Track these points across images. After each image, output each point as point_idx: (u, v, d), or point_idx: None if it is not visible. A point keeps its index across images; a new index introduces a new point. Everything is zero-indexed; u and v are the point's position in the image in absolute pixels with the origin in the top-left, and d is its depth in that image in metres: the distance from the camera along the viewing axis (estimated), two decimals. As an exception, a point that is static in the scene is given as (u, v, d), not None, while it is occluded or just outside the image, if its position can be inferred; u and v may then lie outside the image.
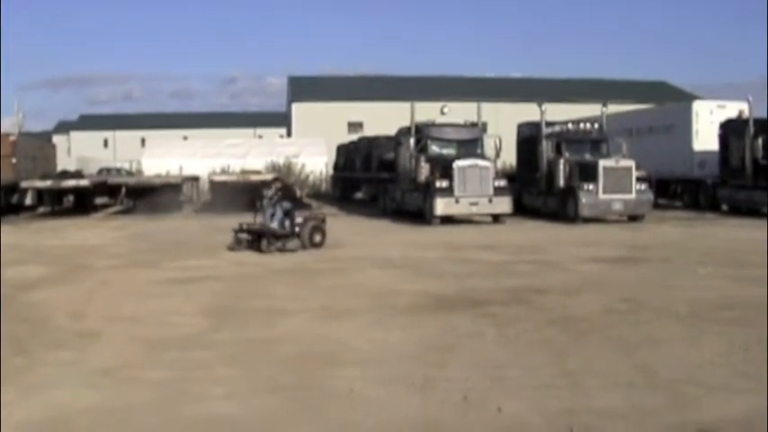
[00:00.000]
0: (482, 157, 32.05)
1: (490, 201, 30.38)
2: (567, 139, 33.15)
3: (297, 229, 21.97)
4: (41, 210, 40.86)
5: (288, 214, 22.13)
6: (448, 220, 30.33)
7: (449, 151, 32.46)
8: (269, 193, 23.18)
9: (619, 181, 30.44)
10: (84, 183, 39.91)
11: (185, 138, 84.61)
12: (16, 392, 8.56)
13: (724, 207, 34.64)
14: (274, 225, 22.15)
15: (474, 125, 34.19)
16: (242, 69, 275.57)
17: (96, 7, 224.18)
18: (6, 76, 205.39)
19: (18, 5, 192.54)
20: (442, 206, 30.06)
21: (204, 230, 27.58)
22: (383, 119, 54.77)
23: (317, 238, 22.19)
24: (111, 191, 44.65)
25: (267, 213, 22.51)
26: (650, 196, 31.61)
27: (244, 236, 22.16)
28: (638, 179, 30.92)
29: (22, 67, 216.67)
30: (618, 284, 15.63)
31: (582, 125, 34.29)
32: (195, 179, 45.74)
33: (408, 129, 33.38)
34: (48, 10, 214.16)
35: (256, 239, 21.88)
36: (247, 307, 13.62)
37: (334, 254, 21.28)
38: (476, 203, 30.26)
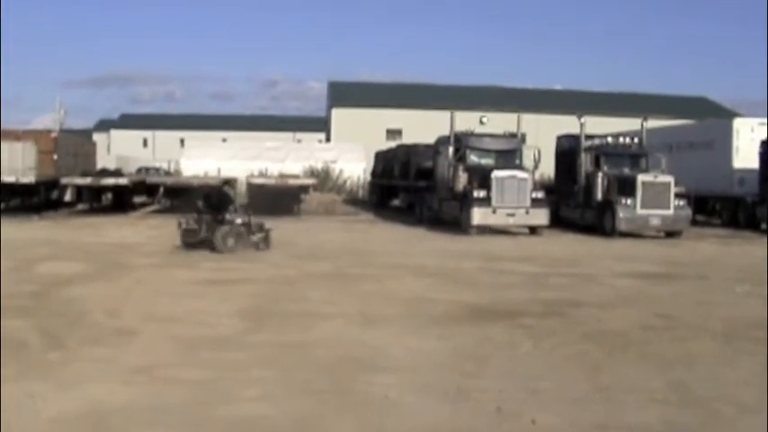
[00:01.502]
0: (520, 168, 31.97)
1: (527, 212, 30.28)
2: (607, 152, 32.97)
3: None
4: (80, 206, 41.17)
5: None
6: (484, 230, 30.26)
7: (487, 161, 32.43)
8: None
9: (657, 196, 30.23)
10: (123, 181, 40.26)
11: (224, 140, 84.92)
12: (52, 387, 8.65)
13: (763, 225, 34.25)
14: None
15: (513, 136, 34.11)
16: (283, 72, 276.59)
17: (143, 6, 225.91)
18: (48, 73, 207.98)
19: (66, 3, 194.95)
20: (479, 216, 29.99)
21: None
22: (422, 127, 54.83)
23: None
24: (150, 190, 44.97)
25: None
26: (688, 212, 31.37)
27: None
28: (677, 195, 30.69)
29: (67, 64, 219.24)
30: (654, 300, 15.54)
31: (621, 139, 34.14)
32: (233, 181, 45.93)
33: (447, 137, 33.35)
34: (94, 8, 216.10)
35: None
36: (283, 310, 13.67)
37: (371, 260, 21.34)
38: (513, 214, 30.17)
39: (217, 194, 24.77)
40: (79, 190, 40.34)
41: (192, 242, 22.55)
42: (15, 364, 9.38)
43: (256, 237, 22.81)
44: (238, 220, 22.80)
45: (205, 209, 23.05)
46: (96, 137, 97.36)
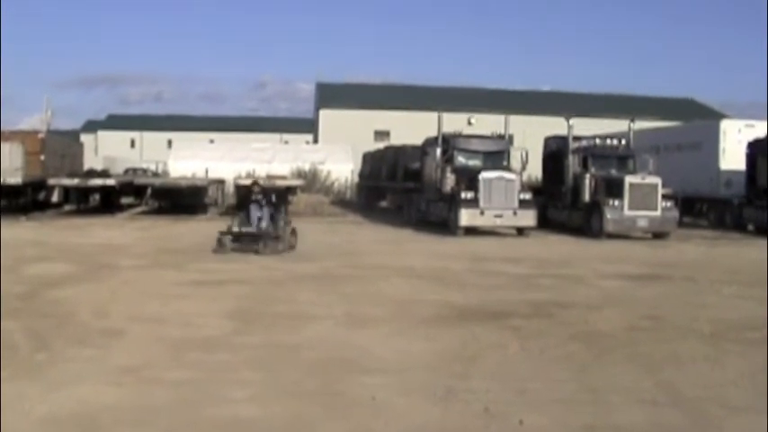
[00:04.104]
0: (508, 169, 32.01)
1: (515, 213, 30.32)
2: (594, 154, 33.03)
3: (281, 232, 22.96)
4: (67, 207, 41.15)
5: (273, 217, 23.21)
6: (472, 231, 30.29)
7: (475, 163, 32.46)
8: (257, 196, 23.84)
9: (644, 198, 30.30)
10: (110, 182, 40.22)
11: (212, 141, 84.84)
12: (39, 388, 8.62)
13: (750, 227, 34.37)
14: (264, 226, 23.04)
15: (501, 137, 34.08)
16: (272, 74, 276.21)
17: (133, 7, 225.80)
18: (38, 74, 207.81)
19: (55, 4, 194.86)
20: (466, 217, 30.02)
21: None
22: (410, 128, 54.87)
23: (294, 240, 23.24)
24: (137, 191, 44.92)
25: (254, 216, 23.33)
26: (676, 214, 31.43)
27: (228, 239, 22.71)
28: (664, 196, 30.75)
29: (55, 64, 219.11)
30: (641, 301, 15.57)
31: (609, 140, 34.20)
32: (221, 182, 45.94)
33: (435, 139, 33.37)
34: (83, 9, 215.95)
35: (252, 242, 22.52)
36: (271, 311, 13.65)
37: (359, 261, 21.34)
38: (500, 216, 30.22)
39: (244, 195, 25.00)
40: (66, 191, 40.33)
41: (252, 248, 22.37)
42: (4, 366, 9.35)
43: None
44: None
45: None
46: (83, 138, 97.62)
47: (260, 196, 23.80)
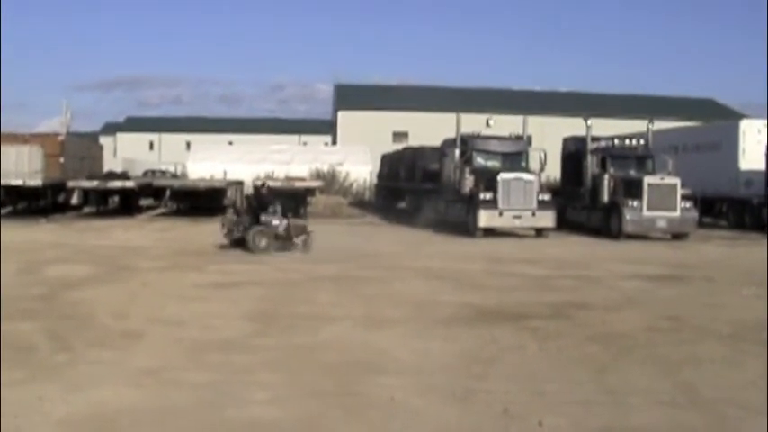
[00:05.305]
0: (527, 170, 31.96)
1: (534, 214, 30.26)
2: (613, 154, 32.91)
3: None
4: (87, 210, 41.21)
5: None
6: (490, 232, 30.25)
7: (493, 164, 32.41)
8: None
9: (663, 198, 30.19)
10: (129, 184, 40.27)
11: (230, 143, 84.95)
12: (59, 389, 8.66)
13: (769, 227, 34.23)
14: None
15: (519, 138, 34.03)
16: (290, 76, 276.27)
17: (151, 10, 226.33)
18: (57, 77, 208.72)
19: (75, 7, 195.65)
20: (485, 218, 29.98)
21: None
22: (428, 129, 54.72)
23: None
24: (156, 193, 44.94)
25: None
26: (695, 214, 31.31)
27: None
28: (683, 197, 30.62)
29: (75, 68, 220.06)
30: (660, 302, 15.52)
31: (628, 141, 34.04)
32: (239, 184, 45.94)
33: (453, 140, 33.33)
34: (102, 12, 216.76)
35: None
36: (289, 312, 13.67)
37: (377, 263, 21.33)
38: (519, 217, 30.17)
39: (256, 197, 25.23)
40: (86, 193, 40.42)
41: (233, 240, 23.37)
42: (24, 367, 9.42)
43: (298, 239, 23.27)
44: (275, 222, 23.06)
45: (244, 210, 23.57)
46: (102, 140, 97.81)
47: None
